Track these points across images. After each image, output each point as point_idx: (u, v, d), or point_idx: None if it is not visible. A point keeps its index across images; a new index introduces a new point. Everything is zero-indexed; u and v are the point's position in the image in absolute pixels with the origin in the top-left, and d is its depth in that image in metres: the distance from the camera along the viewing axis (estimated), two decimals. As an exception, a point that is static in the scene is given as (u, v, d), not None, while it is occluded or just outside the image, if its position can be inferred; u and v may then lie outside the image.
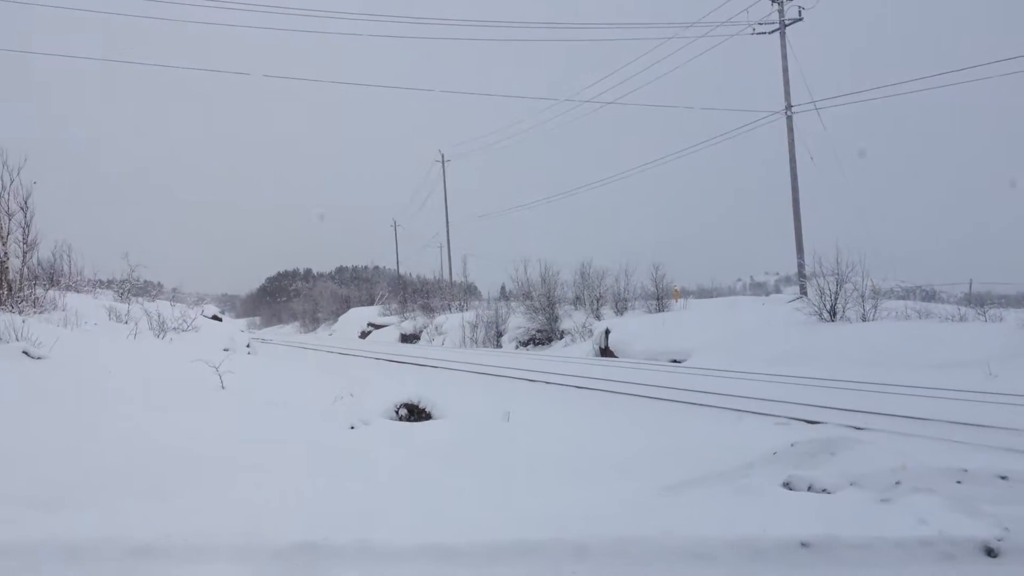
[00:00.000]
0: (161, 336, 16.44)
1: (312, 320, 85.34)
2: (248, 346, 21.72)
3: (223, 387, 10.29)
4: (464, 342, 37.63)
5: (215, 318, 27.38)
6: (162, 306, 20.63)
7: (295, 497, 5.90)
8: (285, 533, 4.81)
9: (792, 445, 7.02)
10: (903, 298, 24.10)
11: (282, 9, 38.80)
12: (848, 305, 21.10)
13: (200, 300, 33.87)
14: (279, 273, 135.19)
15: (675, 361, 21.22)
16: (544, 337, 33.37)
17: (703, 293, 40.62)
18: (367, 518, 5.29)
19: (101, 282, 22.38)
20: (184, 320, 18.83)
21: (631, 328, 25.76)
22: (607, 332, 26.06)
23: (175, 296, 25.90)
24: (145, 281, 24.06)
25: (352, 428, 8.81)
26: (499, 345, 35.51)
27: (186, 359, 11.98)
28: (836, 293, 21.18)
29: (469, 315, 40.35)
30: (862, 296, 21.12)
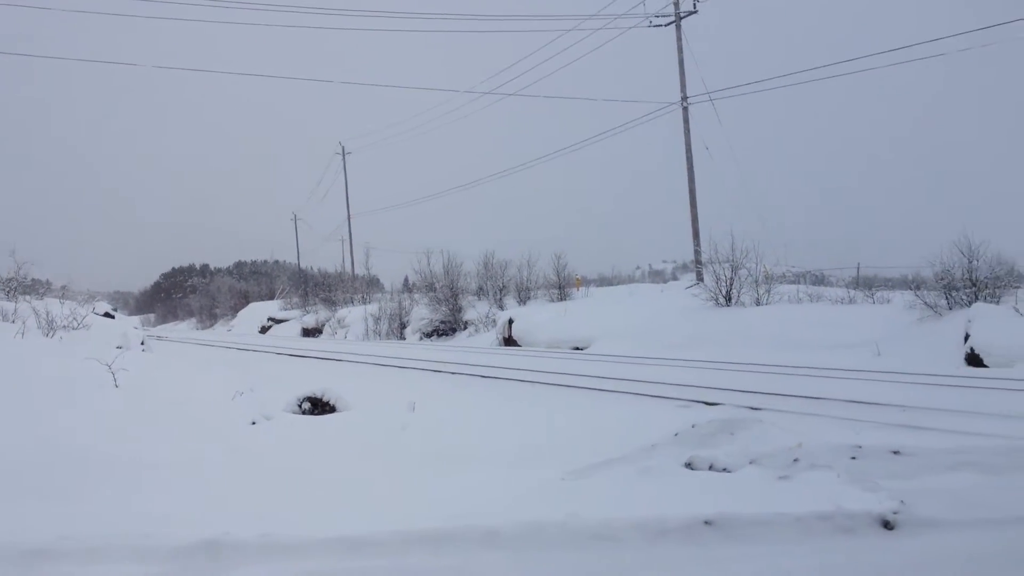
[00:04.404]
0: (50, 335, 15.63)
1: (210, 316, 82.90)
2: (143, 343, 20.88)
3: (116, 385, 9.83)
4: (367, 335, 37.19)
5: (107, 315, 26.17)
6: (51, 304, 19.56)
7: (194, 494, 5.70)
8: (185, 531, 4.64)
9: (693, 426, 7.20)
10: (794, 283, 25.06)
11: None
12: (743, 290, 21.80)
13: (91, 298, 32.24)
14: (174, 269, 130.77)
15: (578, 348, 21.48)
16: (448, 328, 33.30)
17: (604, 281, 41.29)
18: (270, 513, 5.15)
19: (-16, 281, 21.04)
20: (74, 318, 17.94)
21: (534, 317, 25.90)
22: (510, 322, 26.15)
23: (64, 294, 24.57)
24: (33, 279, 22.85)
25: (253, 423, 8.56)
26: (403, 337, 35.25)
27: (78, 358, 11.40)
28: (731, 279, 21.84)
29: (372, 307, 39.89)
30: (756, 281, 21.85)
